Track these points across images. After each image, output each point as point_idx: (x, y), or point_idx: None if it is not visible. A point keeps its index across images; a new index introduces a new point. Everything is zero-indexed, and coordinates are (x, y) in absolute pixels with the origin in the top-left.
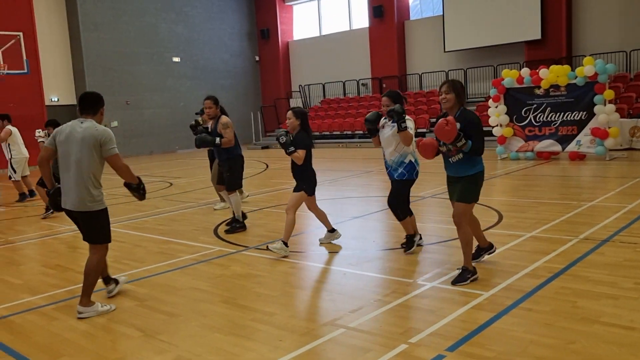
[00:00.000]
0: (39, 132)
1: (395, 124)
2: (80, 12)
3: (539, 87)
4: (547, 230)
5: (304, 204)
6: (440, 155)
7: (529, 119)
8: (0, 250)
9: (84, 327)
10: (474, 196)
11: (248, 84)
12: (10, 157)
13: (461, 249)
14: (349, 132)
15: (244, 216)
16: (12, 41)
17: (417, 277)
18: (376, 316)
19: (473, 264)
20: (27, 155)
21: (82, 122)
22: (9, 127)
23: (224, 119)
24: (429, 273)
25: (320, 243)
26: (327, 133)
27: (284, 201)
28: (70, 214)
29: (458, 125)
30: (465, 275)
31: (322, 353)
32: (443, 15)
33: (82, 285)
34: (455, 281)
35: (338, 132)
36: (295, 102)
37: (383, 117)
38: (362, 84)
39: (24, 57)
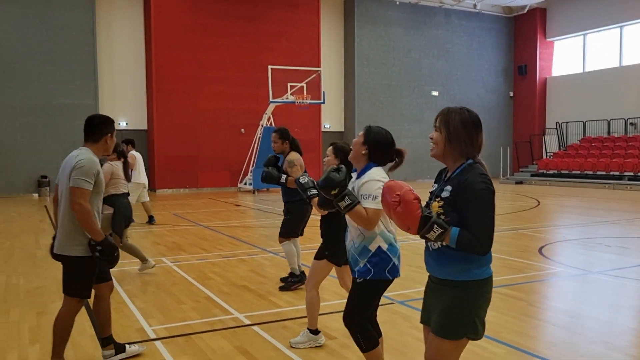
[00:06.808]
0: None
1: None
2: (357, 49)
3: None
4: None
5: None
6: None
7: None
8: None
9: None
10: (464, 327)
11: (500, 119)
12: None
13: None
14: (617, 173)
15: (301, 271)
16: (314, 75)
17: None
18: None
19: None
20: (145, 182)
21: (77, 152)
22: (133, 152)
23: (292, 155)
24: None
25: (291, 344)
26: (590, 172)
27: (573, 237)
28: (56, 257)
29: (447, 192)
30: None
31: None
32: None
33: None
34: None
35: (603, 172)
36: (550, 138)
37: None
38: (631, 124)
39: (322, 89)
